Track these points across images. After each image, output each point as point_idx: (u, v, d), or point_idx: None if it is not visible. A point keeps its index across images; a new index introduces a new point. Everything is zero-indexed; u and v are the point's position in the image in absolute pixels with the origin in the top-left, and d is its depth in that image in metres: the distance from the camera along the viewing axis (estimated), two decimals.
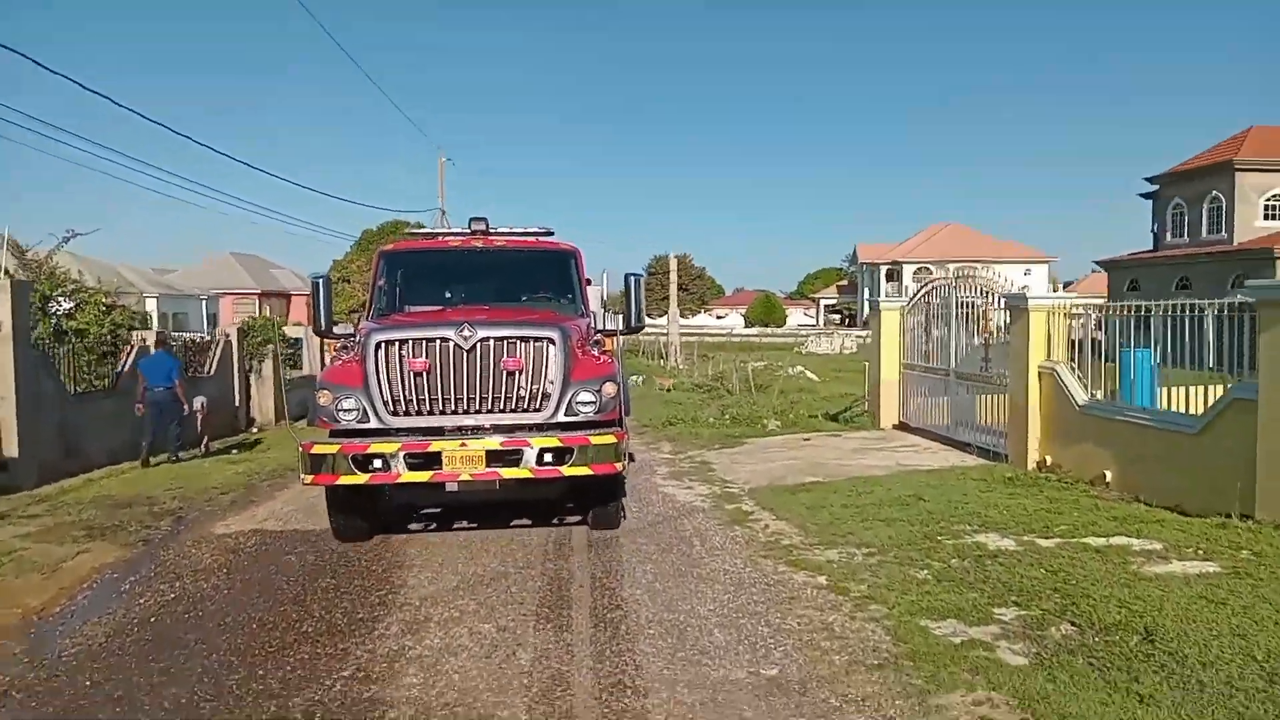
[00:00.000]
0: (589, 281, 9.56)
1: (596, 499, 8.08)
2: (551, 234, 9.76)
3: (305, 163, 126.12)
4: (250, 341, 18.66)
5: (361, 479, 7.20)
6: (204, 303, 70.23)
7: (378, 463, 7.16)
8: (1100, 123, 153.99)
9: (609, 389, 7.58)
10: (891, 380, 15.30)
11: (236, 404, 18.14)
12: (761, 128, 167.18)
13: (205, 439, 14.97)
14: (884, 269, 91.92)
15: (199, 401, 14.76)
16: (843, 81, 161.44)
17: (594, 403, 7.49)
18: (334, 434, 7.42)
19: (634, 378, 31.69)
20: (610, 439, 7.30)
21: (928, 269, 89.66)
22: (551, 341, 7.53)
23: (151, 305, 63.07)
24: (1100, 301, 10.45)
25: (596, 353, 8.37)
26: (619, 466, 7.39)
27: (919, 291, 14.62)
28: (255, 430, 18.40)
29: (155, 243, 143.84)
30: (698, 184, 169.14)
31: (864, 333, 74.26)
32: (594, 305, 9.31)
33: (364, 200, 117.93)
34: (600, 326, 9.04)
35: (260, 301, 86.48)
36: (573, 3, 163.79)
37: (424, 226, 42.18)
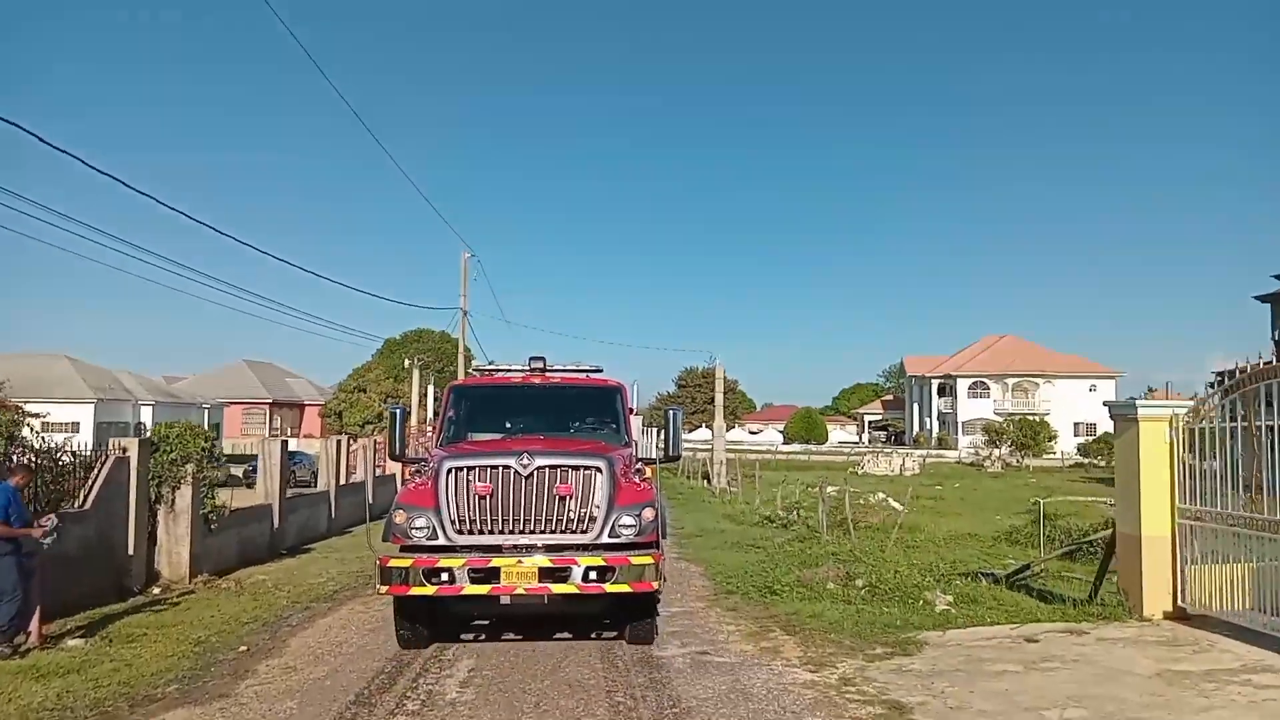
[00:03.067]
0: (632, 411, 10.43)
1: (633, 615, 8.65)
2: (600, 371, 10.57)
3: (322, 264, 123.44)
4: (161, 459, 12.94)
5: (430, 590, 7.89)
6: (206, 412, 65.26)
7: (445, 575, 7.86)
8: (1167, 232, 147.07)
9: (648, 514, 8.23)
10: (1159, 538, 9.24)
11: (130, 551, 12.30)
12: (788, 238, 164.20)
13: (36, 620, 9.11)
14: (935, 383, 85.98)
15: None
16: (873, 192, 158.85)
17: (635, 526, 8.15)
18: (404, 549, 8.08)
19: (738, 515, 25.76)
20: (649, 559, 7.94)
21: (984, 383, 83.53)
22: (599, 470, 8.27)
23: (147, 414, 58.36)
24: None
25: (638, 480, 8.98)
26: (656, 585, 8.03)
27: (1226, 386, 8.67)
28: (156, 589, 12.48)
29: (169, 351, 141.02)
30: (724, 294, 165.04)
31: (921, 453, 67.73)
32: (636, 434, 10.39)
33: (380, 294, 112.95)
34: (641, 455, 9.98)
35: (271, 411, 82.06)
36: (596, 103, 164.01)
37: (452, 335, 38.34)
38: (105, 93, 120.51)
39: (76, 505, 11.49)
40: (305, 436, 65.92)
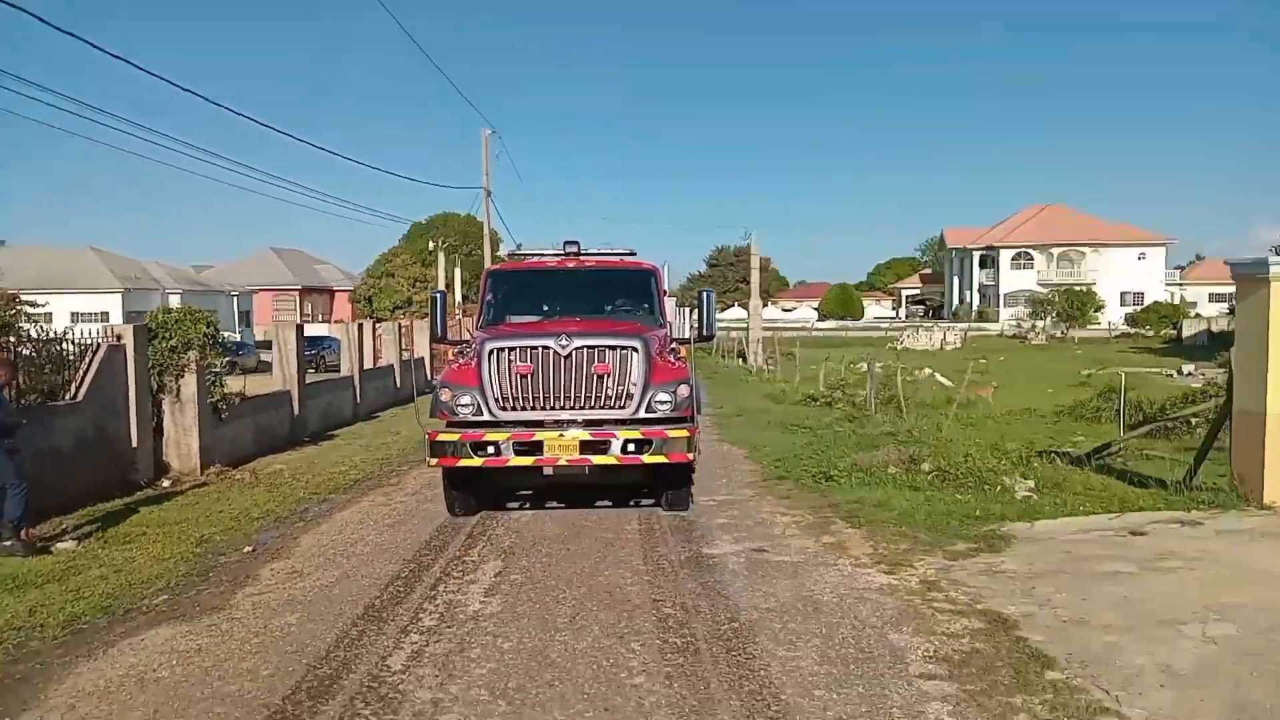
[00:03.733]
0: (666, 293, 10.50)
1: (670, 484, 9.01)
2: (634, 254, 10.79)
3: (345, 148, 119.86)
4: (160, 347, 11.96)
5: (477, 462, 8.25)
6: (235, 299, 64.89)
7: (491, 449, 8.18)
8: (1213, 90, 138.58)
9: (683, 390, 8.53)
10: None
11: (133, 444, 11.49)
12: (820, 108, 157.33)
13: (22, 521, 8.27)
14: (977, 255, 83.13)
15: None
16: (909, 59, 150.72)
17: (670, 402, 8.46)
18: (450, 424, 8.46)
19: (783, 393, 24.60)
20: (684, 433, 8.28)
21: (1028, 254, 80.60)
22: (635, 350, 8.52)
23: (175, 302, 58.12)
24: None
25: (673, 359, 9.23)
26: (691, 456, 8.37)
27: None
28: (166, 482, 11.72)
29: (196, 240, 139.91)
30: (755, 170, 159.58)
31: (963, 326, 65.83)
32: (670, 315, 10.25)
33: (402, 174, 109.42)
34: (676, 335, 9.98)
35: (301, 298, 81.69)
36: None
37: (496, 237, 37.05)
38: None
39: (70, 397, 10.60)
40: (336, 322, 65.54)
